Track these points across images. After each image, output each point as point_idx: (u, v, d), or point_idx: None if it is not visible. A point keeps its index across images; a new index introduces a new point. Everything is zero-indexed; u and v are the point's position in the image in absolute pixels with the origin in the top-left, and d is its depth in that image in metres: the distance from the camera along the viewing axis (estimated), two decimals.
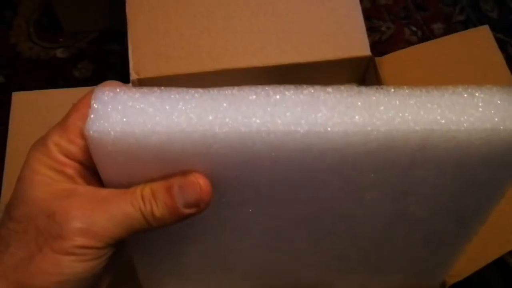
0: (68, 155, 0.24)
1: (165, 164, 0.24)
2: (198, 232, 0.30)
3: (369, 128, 0.23)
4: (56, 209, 0.23)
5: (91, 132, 0.22)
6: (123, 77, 0.51)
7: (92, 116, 0.22)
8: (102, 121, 0.22)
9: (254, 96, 0.23)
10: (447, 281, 0.41)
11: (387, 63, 0.53)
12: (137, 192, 0.24)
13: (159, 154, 0.23)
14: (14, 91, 0.48)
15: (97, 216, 0.23)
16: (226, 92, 0.23)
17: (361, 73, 0.56)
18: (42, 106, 0.46)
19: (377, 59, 0.54)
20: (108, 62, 0.80)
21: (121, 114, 0.22)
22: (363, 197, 0.28)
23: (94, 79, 0.77)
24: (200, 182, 0.24)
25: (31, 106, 0.47)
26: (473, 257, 0.38)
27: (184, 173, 0.24)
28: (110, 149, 0.22)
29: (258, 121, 0.22)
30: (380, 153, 0.24)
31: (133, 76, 0.50)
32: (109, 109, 0.22)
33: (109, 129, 0.22)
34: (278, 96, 0.23)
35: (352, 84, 0.57)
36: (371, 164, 0.25)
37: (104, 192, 0.24)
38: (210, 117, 0.22)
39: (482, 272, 0.42)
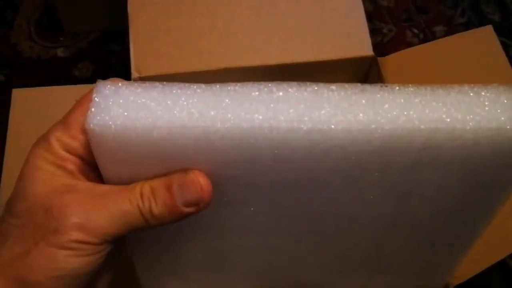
0: (69, 151, 0.24)
1: (166, 160, 0.23)
2: (198, 231, 0.30)
3: (373, 126, 0.23)
4: (54, 203, 0.23)
5: (91, 125, 0.21)
6: (124, 77, 0.50)
7: (93, 109, 0.22)
8: (103, 115, 0.21)
9: (257, 93, 0.23)
10: (449, 282, 0.40)
11: (389, 63, 0.53)
12: (136, 189, 0.23)
13: (160, 150, 0.22)
14: None
15: (95, 212, 0.23)
16: (229, 88, 0.23)
17: (363, 73, 0.56)
18: (42, 103, 0.46)
19: (379, 59, 0.53)
20: (109, 62, 0.80)
21: (123, 108, 0.22)
22: (366, 197, 0.27)
23: (95, 79, 0.76)
24: (200, 181, 0.23)
25: (31, 103, 0.46)
26: (476, 258, 0.37)
27: (185, 171, 0.24)
28: (111, 143, 0.22)
29: (260, 117, 0.22)
30: (384, 151, 0.24)
31: (134, 74, 0.50)
32: (110, 103, 0.22)
33: (110, 123, 0.21)
34: (281, 93, 0.23)
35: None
36: (375, 163, 0.24)
37: (104, 188, 0.24)
38: (212, 113, 0.22)
39: (484, 275, 0.42)
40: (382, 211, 0.29)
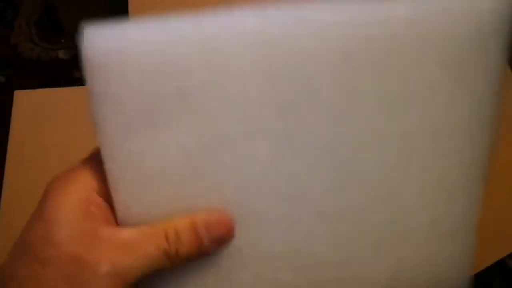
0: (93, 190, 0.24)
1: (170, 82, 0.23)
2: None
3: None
4: (82, 254, 0.23)
5: (89, 51, 0.21)
6: None
7: (86, 42, 0.21)
8: (98, 40, 0.22)
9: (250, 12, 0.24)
10: None
11: None
12: (160, 233, 0.24)
13: (159, 68, 0.23)
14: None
15: (124, 260, 0.23)
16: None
17: None
18: (44, 105, 0.46)
19: None
20: None
21: (116, 33, 0.22)
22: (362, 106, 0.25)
23: None
24: (224, 219, 0.25)
25: (32, 105, 0.46)
26: (475, 258, 0.38)
27: (208, 211, 0.25)
28: (109, 66, 0.22)
29: (252, 22, 0.23)
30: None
31: None
32: (103, 33, 0.22)
33: (105, 45, 0.22)
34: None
35: None
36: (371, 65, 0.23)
37: (127, 234, 0.24)
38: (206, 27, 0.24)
39: (483, 275, 0.42)
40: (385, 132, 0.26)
